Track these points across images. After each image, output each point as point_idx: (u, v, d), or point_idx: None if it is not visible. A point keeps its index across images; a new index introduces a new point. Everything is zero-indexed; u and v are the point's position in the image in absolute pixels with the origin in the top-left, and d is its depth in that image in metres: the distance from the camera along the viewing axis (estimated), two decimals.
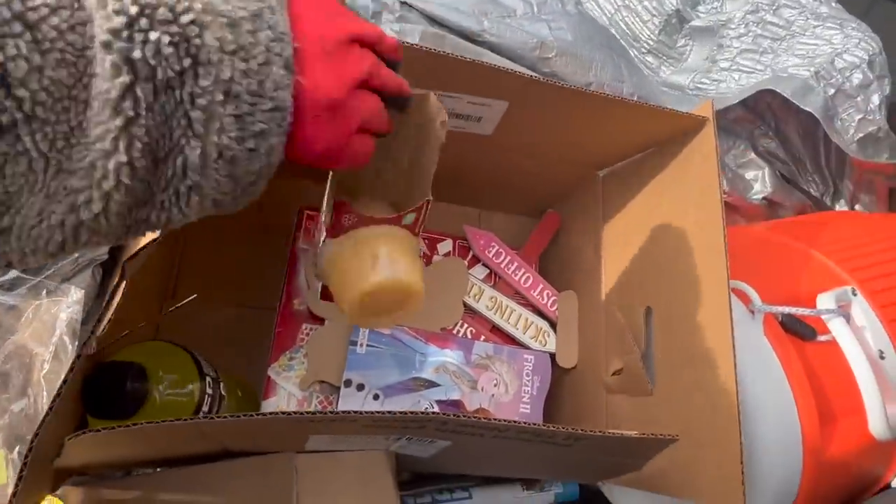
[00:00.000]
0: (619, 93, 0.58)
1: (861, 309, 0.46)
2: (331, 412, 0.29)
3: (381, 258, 0.36)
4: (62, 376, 0.29)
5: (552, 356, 0.55)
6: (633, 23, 0.71)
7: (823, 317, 0.45)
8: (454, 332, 0.54)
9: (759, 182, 0.68)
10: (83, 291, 0.36)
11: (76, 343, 0.37)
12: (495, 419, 0.31)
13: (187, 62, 0.21)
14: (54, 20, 0.19)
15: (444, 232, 0.58)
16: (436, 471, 0.52)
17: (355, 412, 0.29)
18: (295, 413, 0.29)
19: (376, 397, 0.49)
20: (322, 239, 0.37)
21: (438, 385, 0.51)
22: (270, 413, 0.28)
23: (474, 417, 0.31)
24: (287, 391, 0.48)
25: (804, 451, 0.42)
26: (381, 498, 0.41)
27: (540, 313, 0.57)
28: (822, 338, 0.45)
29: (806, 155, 0.69)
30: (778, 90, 0.59)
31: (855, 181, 0.68)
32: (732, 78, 0.68)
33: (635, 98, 0.60)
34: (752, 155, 0.69)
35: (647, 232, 0.48)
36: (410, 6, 0.54)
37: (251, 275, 0.55)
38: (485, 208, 0.63)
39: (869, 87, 0.61)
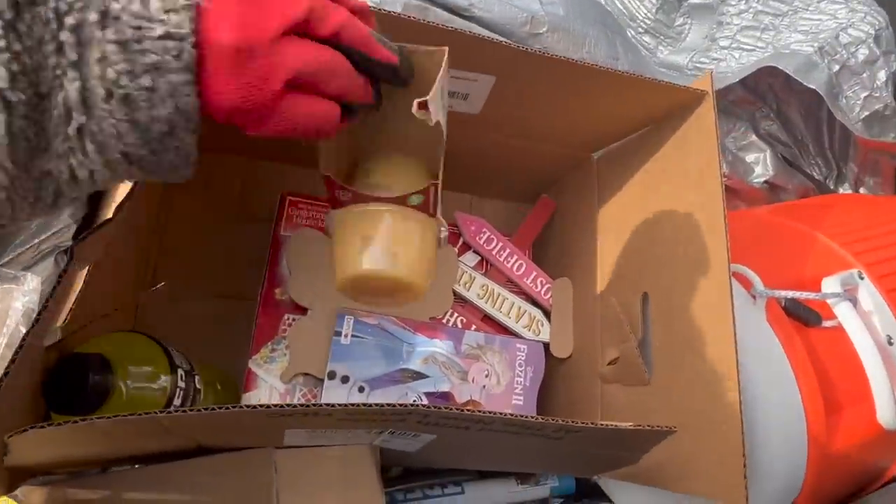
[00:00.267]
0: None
1: (868, 293, 0.44)
2: (301, 405, 0.26)
3: (372, 244, 0.33)
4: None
5: (546, 346, 0.53)
6: (629, 1, 0.69)
7: (829, 301, 0.43)
8: (444, 321, 0.52)
9: (761, 165, 0.66)
10: (39, 279, 0.34)
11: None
12: (480, 411, 0.29)
13: None
14: None
15: None
16: (426, 465, 0.50)
17: (328, 405, 0.27)
18: (262, 407, 0.26)
19: (361, 389, 0.47)
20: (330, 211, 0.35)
21: (427, 376, 0.49)
22: (235, 407, 0.26)
23: (457, 409, 0.29)
24: (269, 384, 0.46)
25: (809, 442, 0.40)
26: (365, 494, 0.39)
27: (533, 301, 0.55)
28: (827, 323, 0.43)
29: (809, 137, 0.67)
30: (780, 67, 0.57)
31: (859, 163, 0.66)
32: (733, 56, 0.65)
33: None
34: (753, 137, 0.67)
35: (645, 215, 0.45)
36: None
37: (233, 263, 0.53)
38: (476, 194, 0.61)
39: (875, 63, 0.58)
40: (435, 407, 0.28)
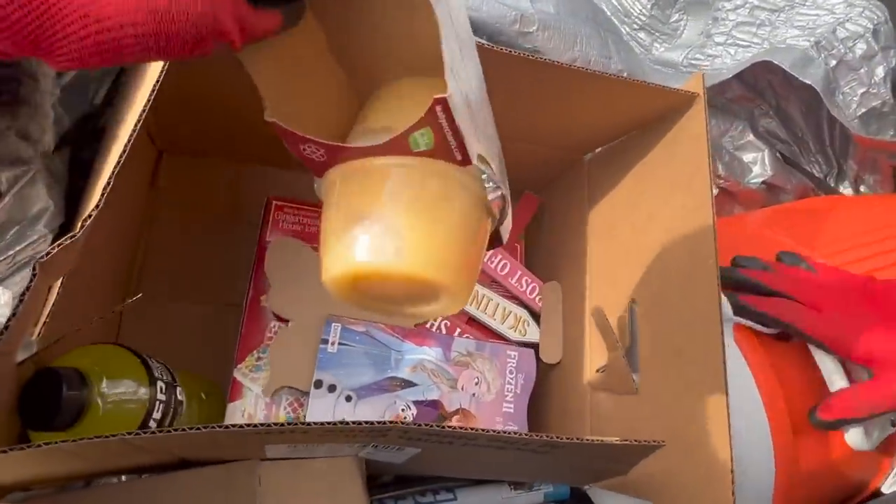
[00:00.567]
0: (606, 69, 0.55)
1: None
2: (277, 425, 0.26)
3: (365, 222, 0.22)
4: None
5: (535, 351, 0.52)
6: None
7: None
8: (429, 327, 0.51)
9: (759, 165, 0.65)
10: (10, 293, 0.34)
11: None
12: (462, 427, 0.28)
13: None
14: None
15: None
16: (415, 474, 0.49)
17: (305, 424, 0.27)
18: (236, 427, 0.26)
19: (349, 399, 0.47)
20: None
21: (416, 385, 0.48)
22: (208, 428, 0.25)
23: (438, 426, 0.28)
24: (254, 393, 0.46)
25: (776, 464, 0.39)
26: None
27: (519, 302, 0.54)
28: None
29: (809, 134, 0.66)
30: (775, 62, 0.55)
31: (858, 160, 0.65)
32: (728, 52, 0.64)
33: (624, 75, 0.56)
34: (751, 136, 0.66)
35: (634, 219, 0.44)
36: None
37: (219, 269, 0.52)
38: None
39: (873, 58, 0.57)
40: (415, 424, 0.27)
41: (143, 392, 0.36)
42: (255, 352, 0.47)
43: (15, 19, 0.16)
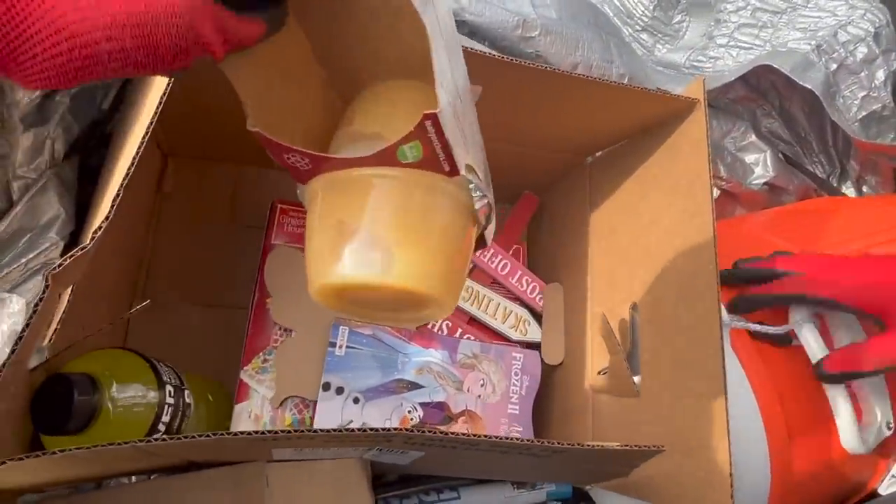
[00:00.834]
0: (608, 73, 0.55)
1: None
2: (283, 431, 0.26)
3: (349, 233, 0.22)
4: None
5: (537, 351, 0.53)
6: None
7: (793, 327, 0.42)
8: (432, 328, 0.51)
9: (761, 166, 0.65)
10: (24, 301, 0.34)
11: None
12: (464, 434, 0.28)
13: None
14: None
15: None
16: (419, 473, 0.50)
17: (311, 430, 0.27)
18: (244, 434, 0.26)
19: (356, 401, 0.47)
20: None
21: (422, 387, 0.49)
22: (216, 435, 0.26)
23: (441, 432, 0.28)
24: (261, 394, 0.46)
25: (772, 469, 0.39)
26: None
27: (520, 302, 0.54)
28: (798, 342, 0.43)
29: (812, 134, 0.66)
30: (775, 66, 0.56)
31: (860, 161, 0.65)
32: (730, 55, 0.64)
33: (626, 79, 0.57)
34: (753, 137, 0.66)
35: (635, 222, 0.45)
36: None
37: (224, 273, 0.53)
38: None
39: (874, 61, 0.57)
40: (419, 430, 0.28)
41: (153, 396, 0.37)
42: (261, 354, 0.47)
43: None
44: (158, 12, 0.17)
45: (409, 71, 0.24)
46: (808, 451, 0.41)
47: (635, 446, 0.30)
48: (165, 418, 0.38)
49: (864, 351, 0.38)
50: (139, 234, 0.51)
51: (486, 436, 0.29)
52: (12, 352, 0.25)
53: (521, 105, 0.42)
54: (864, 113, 0.57)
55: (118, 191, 0.28)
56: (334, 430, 0.27)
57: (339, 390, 0.47)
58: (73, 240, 0.41)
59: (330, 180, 0.23)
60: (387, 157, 0.21)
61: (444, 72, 0.20)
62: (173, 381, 0.40)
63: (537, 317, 0.54)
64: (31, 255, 0.37)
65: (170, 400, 0.38)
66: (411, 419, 0.48)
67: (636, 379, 0.41)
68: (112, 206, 0.27)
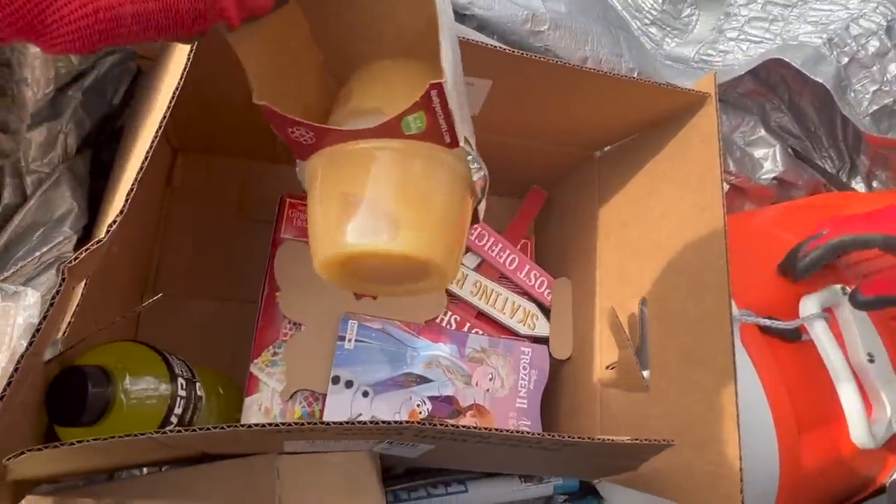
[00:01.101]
0: (617, 68, 0.55)
1: (851, 308, 0.43)
2: (296, 424, 0.27)
3: (354, 204, 0.23)
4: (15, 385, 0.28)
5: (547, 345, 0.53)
6: None
7: (804, 322, 0.42)
8: (440, 322, 0.52)
9: (770, 160, 0.65)
10: (39, 294, 0.34)
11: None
12: (475, 427, 0.29)
13: None
14: None
15: None
16: (428, 466, 0.50)
17: (323, 423, 0.27)
18: (258, 426, 0.27)
19: (365, 394, 0.47)
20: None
21: (430, 380, 0.49)
22: (230, 427, 0.26)
23: (452, 425, 0.29)
24: (270, 387, 0.47)
25: (780, 464, 0.39)
26: (367, 499, 0.40)
27: (528, 296, 0.54)
28: (808, 337, 0.42)
29: (822, 128, 0.66)
30: (786, 59, 0.55)
31: (871, 156, 0.64)
32: (740, 48, 0.64)
33: (635, 73, 0.56)
34: (762, 132, 0.66)
35: (645, 217, 0.45)
36: None
37: (234, 266, 0.53)
38: None
39: (886, 55, 0.57)
40: (430, 424, 0.28)
41: (165, 388, 0.37)
42: (270, 347, 0.48)
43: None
44: None
45: (404, 50, 0.24)
46: (818, 445, 0.41)
47: (645, 440, 0.30)
48: (178, 410, 0.38)
49: None
50: (149, 228, 0.51)
51: (496, 429, 0.29)
52: (30, 344, 0.25)
53: (531, 99, 0.42)
54: (875, 107, 0.57)
55: (132, 185, 0.28)
56: (347, 423, 0.27)
57: (349, 384, 0.47)
58: (85, 234, 0.41)
59: (332, 154, 0.23)
60: (390, 129, 0.21)
61: (447, 46, 0.21)
62: (185, 373, 0.40)
63: (545, 311, 0.54)
64: (44, 249, 0.37)
65: (182, 392, 0.38)
66: (420, 413, 0.48)
67: (645, 373, 0.41)
68: (126, 200, 0.28)
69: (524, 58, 0.35)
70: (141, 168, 0.29)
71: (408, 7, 0.22)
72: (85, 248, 0.25)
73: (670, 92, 0.38)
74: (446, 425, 0.28)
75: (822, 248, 0.42)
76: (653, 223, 0.43)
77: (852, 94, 0.57)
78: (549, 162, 0.54)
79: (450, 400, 0.49)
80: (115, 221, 0.27)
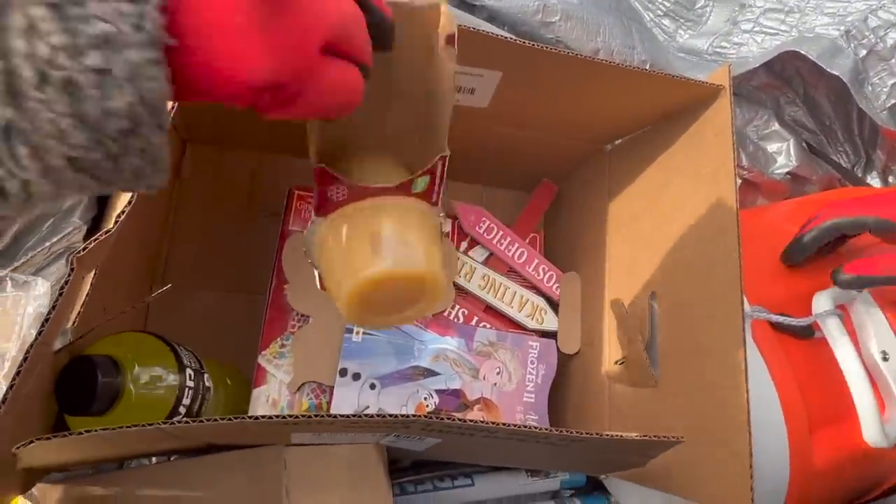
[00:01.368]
0: (629, 59, 0.54)
1: (865, 306, 0.42)
2: (304, 416, 0.26)
3: (384, 239, 0.28)
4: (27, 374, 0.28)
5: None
6: None
7: (817, 319, 0.41)
8: (448, 316, 0.51)
9: (784, 155, 0.64)
10: (49, 284, 0.35)
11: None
12: (483, 421, 0.28)
13: None
14: None
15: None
16: (435, 459, 0.50)
17: (331, 416, 0.27)
18: (265, 417, 0.27)
19: (373, 387, 0.47)
20: (312, 218, 0.30)
21: (438, 374, 0.49)
22: (238, 418, 0.26)
23: (460, 419, 0.28)
24: (278, 379, 0.47)
25: (791, 462, 0.39)
26: (373, 492, 0.40)
27: (537, 290, 0.54)
28: (820, 334, 0.42)
29: (837, 122, 0.64)
30: (802, 51, 0.54)
31: (887, 151, 0.63)
32: (755, 41, 0.63)
33: (648, 65, 0.56)
34: (776, 126, 0.65)
35: (656, 211, 0.44)
36: None
37: (242, 259, 0.53)
38: (486, 184, 0.60)
39: None
40: (437, 417, 0.28)
41: (173, 379, 0.37)
42: (278, 339, 0.48)
43: None
44: (358, 86, 0.22)
45: (405, 124, 0.30)
46: (829, 443, 0.40)
47: (654, 437, 0.30)
48: (186, 401, 0.38)
49: (886, 260, 0.39)
50: (158, 219, 0.51)
51: (504, 424, 0.29)
52: (39, 333, 0.25)
53: (541, 91, 0.41)
54: (893, 101, 0.56)
55: None
56: (354, 416, 0.27)
57: (356, 376, 0.47)
58: (94, 224, 0.42)
59: (354, 209, 0.29)
60: (405, 188, 0.28)
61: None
62: (193, 364, 0.40)
63: (554, 306, 0.54)
64: (54, 239, 0.37)
65: (190, 383, 0.39)
66: (427, 406, 0.48)
67: (654, 369, 0.40)
68: (134, 191, 0.28)
69: (535, 49, 0.35)
70: None
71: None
72: (94, 238, 0.25)
73: (684, 84, 0.38)
74: (454, 419, 0.28)
75: (816, 229, 0.43)
76: (664, 217, 0.43)
77: (870, 88, 0.56)
78: (559, 155, 0.53)
79: (457, 393, 0.49)
80: (123, 212, 0.27)
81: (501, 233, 0.54)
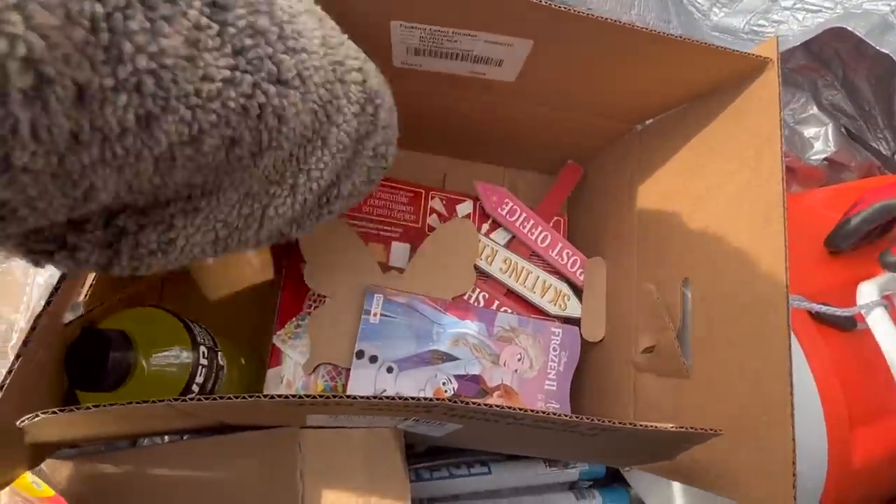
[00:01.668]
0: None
1: None
2: (321, 396, 0.25)
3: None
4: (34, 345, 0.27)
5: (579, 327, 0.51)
6: None
7: (861, 310, 0.39)
8: (468, 299, 0.50)
9: (821, 140, 0.61)
10: None
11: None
12: (510, 407, 0.27)
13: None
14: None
15: (464, 192, 0.53)
16: (452, 446, 0.49)
17: (350, 397, 0.26)
18: (280, 397, 0.25)
19: (390, 370, 0.46)
20: None
21: (457, 358, 0.48)
22: (252, 397, 0.25)
23: (485, 404, 0.27)
24: (293, 360, 0.46)
25: (829, 458, 0.37)
26: (390, 478, 0.38)
27: (560, 275, 0.52)
28: (863, 326, 0.40)
29: (877, 108, 0.62)
30: (849, 28, 0.51)
31: None
32: (795, 18, 0.60)
33: None
34: (814, 110, 0.62)
35: (690, 193, 0.42)
36: None
37: None
38: (509, 166, 0.58)
39: None
40: (462, 402, 0.27)
41: (186, 356, 0.36)
42: (294, 319, 0.46)
43: None
44: None
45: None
46: (871, 441, 0.38)
47: (691, 429, 0.28)
48: (199, 379, 0.37)
49: None
50: None
51: (531, 410, 0.27)
52: (48, 303, 0.24)
53: (574, 63, 0.39)
54: None
55: None
56: (373, 398, 0.26)
57: (373, 359, 0.46)
58: None
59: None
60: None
61: None
62: (207, 342, 0.39)
63: (577, 291, 0.52)
64: None
65: (203, 361, 0.37)
66: (445, 391, 0.47)
67: (686, 359, 0.38)
68: None
69: (570, 13, 0.33)
70: None
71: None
72: None
73: (728, 55, 0.35)
74: (479, 404, 0.27)
75: (864, 211, 0.41)
76: (700, 200, 0.41)
77: None
78: (586, 135, 0.51)
79: (476, 379, 0.47)
80: None
81: (525, 215, 0.53)
